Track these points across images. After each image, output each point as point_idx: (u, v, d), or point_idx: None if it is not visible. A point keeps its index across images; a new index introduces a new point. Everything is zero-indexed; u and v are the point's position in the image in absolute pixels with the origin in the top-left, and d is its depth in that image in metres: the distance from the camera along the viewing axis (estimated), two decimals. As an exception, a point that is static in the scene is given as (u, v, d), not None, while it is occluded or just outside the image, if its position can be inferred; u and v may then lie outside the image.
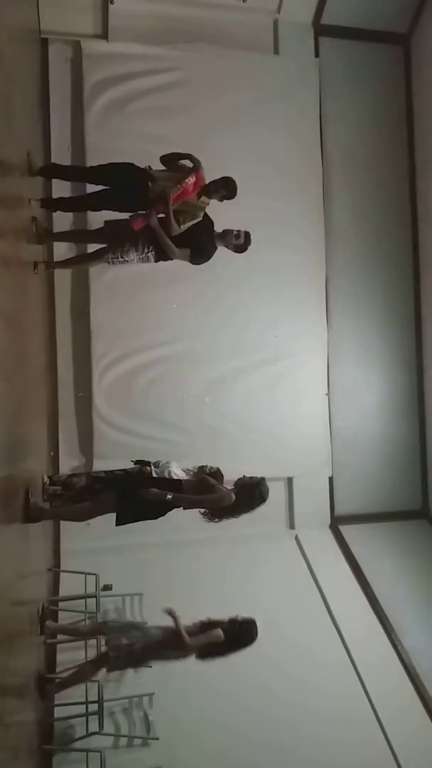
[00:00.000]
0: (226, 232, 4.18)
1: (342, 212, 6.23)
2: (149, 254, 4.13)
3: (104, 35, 5.53)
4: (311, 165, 6.07)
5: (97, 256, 4.34)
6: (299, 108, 6.01)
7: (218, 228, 4.19)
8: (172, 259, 4.16)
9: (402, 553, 5.73)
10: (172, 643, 3.57)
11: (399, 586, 5.40)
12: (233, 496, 3.49)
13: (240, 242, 4.18)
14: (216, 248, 4.19)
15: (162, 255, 4.14)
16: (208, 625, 3.62)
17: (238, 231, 4.17)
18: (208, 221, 4.21)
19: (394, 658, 4.87)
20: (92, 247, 4.54)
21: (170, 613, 3.60)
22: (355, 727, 4.27)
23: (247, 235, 4.19)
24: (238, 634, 3.60)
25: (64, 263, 4.84)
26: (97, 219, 5.21)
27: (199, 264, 4.19)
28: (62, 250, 5.10)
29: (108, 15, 5.43)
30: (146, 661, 3.69)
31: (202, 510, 3.56)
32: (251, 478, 3.58)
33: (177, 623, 3.57)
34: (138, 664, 3.68)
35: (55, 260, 4.88)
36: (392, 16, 6.21)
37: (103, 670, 3.71)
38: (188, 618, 4.69)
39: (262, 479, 3.59)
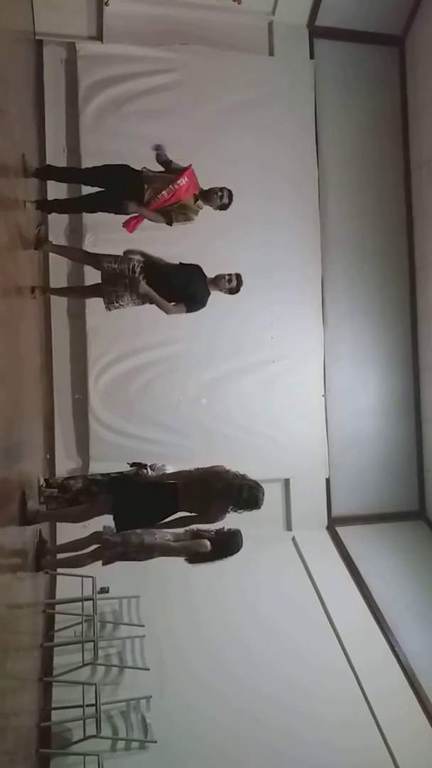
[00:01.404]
0: (218, 278, 4.24)
1: (337, 213, 6.24)
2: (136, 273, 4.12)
3: (99, 37, 5.53)
4: (306, 166, 6.09)
5: (93, 291, 4.34)
6: (294, 109, 6.02)
7: (209, 273, 4.25)
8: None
9: (399, 554, 5.73)
10: (162, 549, 3.72)
11: (396, 587, 5.40)
12: (230, 475, 3.57)
13: (233, 285, 4.25)
14: (209, 294, 4.25)
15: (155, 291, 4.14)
16: (196, 535, 3.73)
17: (230, 275, 4.24)
18: (196, 268, 4.25)
19: (392, 660, 4.86)
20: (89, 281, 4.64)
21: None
22: (352, 729, 4.27)
23: (238, 277, 4.26)
24: (223, 543, 3.71)
25: (61, 291, 4.85)
26: (91, 220, 5.24)
27: (196, 311, 4.24)
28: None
29: (103, 16, 5.44)
30: (137, 559, 3.79)
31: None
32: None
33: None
34: (130, 560, 3.79)
35: (51, 287, 4.92)
36: (387, 18, 6.23)
37: (99, 563, 3.82)
38: (187, 617, 4.72)
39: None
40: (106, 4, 5.35)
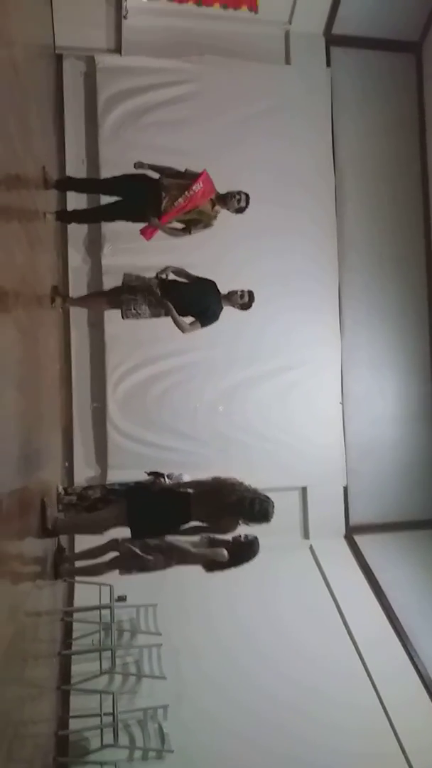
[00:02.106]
0: (231, 294, 4.33)
1: (354, 220, 6.23)
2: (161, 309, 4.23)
3: (117, 49, 5.59)
4: (323, 174, 6.09)
5: (111, 300, 4.41)
6: (311, 118, 6.03)
7: (223, 288, 4.35)
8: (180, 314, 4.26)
9: (418, 563, 5.66)
10: (180, 558, 3.73)
11: (415, 597, 5.33)
12: (243, 486, 3.60)
13: (245, 301, 4.35)
14: (222, 308, 4.35)
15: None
16: (214, 543, 3.75)
17: (242, 291, 4.33)
18: (211, 284, 4.34)
19: (410, 669, 4.81)
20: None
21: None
22: (370, 737, 4.22)
23: (250, 294, 4.36)
24: (240, 551, 3.72)
25: (80, 301, 4.91)
26: (110, 230, 5.29)
27: (209, 325, 4.34)
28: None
29: (121, 29, 5.50)
30: (155, 569, 3.81)
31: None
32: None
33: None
34: (147, 570, 3.80)
35: (71, 296, 4.97)
36: (404, 25, 6.22)
37: (116, 572, 3.87)
38: (205, 626, 4.71)
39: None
40: (125, 17, 5.42)
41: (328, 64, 6.21)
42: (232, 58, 5.82)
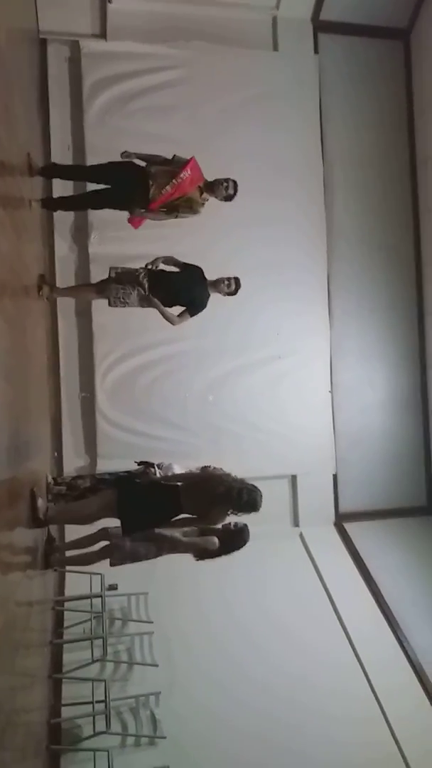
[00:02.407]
0: (218, 281, 4.36)
1: (343, 209, 6.22)
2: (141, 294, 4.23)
3: (103, 34, 5.52)
4: (312, 161, 6.06)
5: (99, 289, 4.39)
6: (299, 104, 6.00)
7: (209, 275, 4.38)
8: (167, 305, 4.29)
9: (407, 550, 5.72)
10: (170, 547, 3.76)
11: (405, 583, 5.39)
12: (230, 478, 3.62)
13: (231, 289, 4.38)
14: (209, 295, 4.38)
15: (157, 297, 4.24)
16: (204, 531, 3.77)
17: (229, 279, 4.37)
18: (198, 272, 4.34)
19: (401, 656, 4.86)
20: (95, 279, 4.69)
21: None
22: (362, 725, 4.27)
23: (237, 281, 4.39)
24: (231, 538, 3.76)
25: (68, 291, 4.88)
26: (97, 218, 5.25)
27: (197, 314, 4.38)
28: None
29: (106, 14, 5.43)
30: (146, 558, 3.85)
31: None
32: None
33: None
34: (138, 560, 3.85)
35: (58, 286, 4.92)
36: (392, 11, 6.19)
37: (106, 561, 3.91)
38: (195, 614, 4.73)
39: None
40: (110, 1, 5.34)
41: (316, 50, 6.17)
42: (219, 44, 5.76)
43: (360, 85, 6.25)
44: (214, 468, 4.01)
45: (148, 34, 5.58)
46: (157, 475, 4.03)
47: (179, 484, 3.67)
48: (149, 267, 4.27)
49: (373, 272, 6.27)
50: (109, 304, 4.31)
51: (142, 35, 5.57)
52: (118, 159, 4.17)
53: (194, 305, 4.32)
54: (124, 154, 4.16)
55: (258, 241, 5.80)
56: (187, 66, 5.69)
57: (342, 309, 6.21)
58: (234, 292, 4.41)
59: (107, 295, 4.27)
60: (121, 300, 4.23)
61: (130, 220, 4.27)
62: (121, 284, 4.21)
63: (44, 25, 5.24)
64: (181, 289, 4.28)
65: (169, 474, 3.99)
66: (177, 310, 4.32)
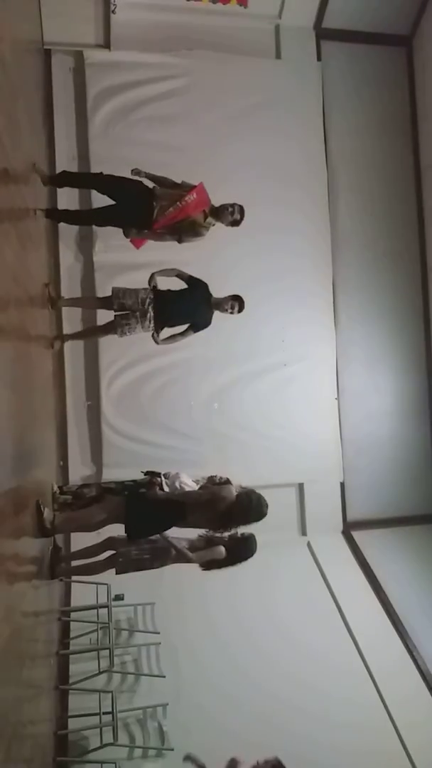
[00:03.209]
0: (222, 301, 4.47)
1: (348, 215, 6.21)
2: (150, 325, 4.38)
3: (106, 44, 5.54)
4: (315, 169, 6.06)
5: (107, 329, 4.58)
6: (302, 112, 6.01)
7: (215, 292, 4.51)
8: (172, 326, 4.46)
9: (416, 558, 5.66)
10: (177, 557, 3.74)
11: (413, 592, 5.34)
12: (234, 493, 3.62)
13: (234, 309, 4.51)
14: (213, 313, 4.50)
15: (160, 324, 4.40)
16: (211, 541, 3.76)
17: (233, 301, 4.46)
18: (202, 289, 4.43)
19: (410, 664, 4.81)
20: (101, 320, 4.87)
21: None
22: (370, 734, 4.22)
23: (240, 302, 4.49)
24: (238, 548, 3.75)
25: (77, 335, 5.03)
26: (102, 228, 5.26)
27: (202, 330, 4.54)
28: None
29: (110, 24, 5.45)
30: (151, 568, 3.83)
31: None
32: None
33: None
34: (143, 569, 3.83)
35: (66, 333, 5.03)
36: (394, 18, 6.20)
37: (112, 570, 3.86)
38: (203, 624, 4.69)
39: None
40: (113, 11, 5.37)
41: (319, 58, 6.18)
42: (222, 52, 5.78)
43: (363, 92, 6.25)
44: (220, 478, 4.02)
45: (152, 44, 5.61)
46: (164, 485, 4.01)
47: (185, 502, 3.67)
48: (152, 286, 4.37)
49: (378, 278, 6.25)
50: (119, 336, 4.48)
51: (145, 45, 5.60)
52: (128, 176, 4.20)
53: (198, 325, 4.45)
54: (134, 171, 4.18)
55: (263, 249, 5.80)
56: (191, 75, 5.72)
57: (347, 315, 6.19)
58: (238, 311, 4.51)
59: (114, 331, 4.43)
60: (127, 333, 4.39)
61: (132, 241, 4.30)
62: (126, 319, 4.35)
63: (48, 35, 5.28)
64: (187, 311, 4.40)
65: (176, 484, 3.98)
66: (183, 328, 4.49)
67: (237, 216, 4.30)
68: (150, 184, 4.25)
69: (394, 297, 6.29)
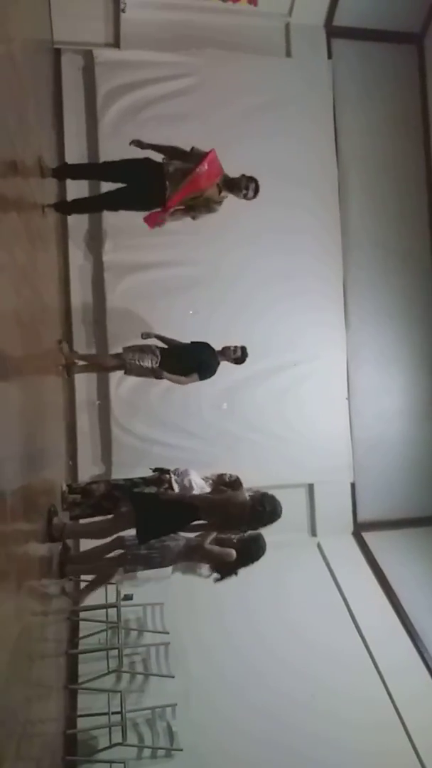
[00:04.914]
0: (225, 350, 4.69)
1: (358, 215, 6.17)
2: (157, 361, 4.57)
3: (116, 43, 5.55)
4: (326, 167, 6.03)
5: (115, 365, 4.74)
6: (313, 110, 5.98)
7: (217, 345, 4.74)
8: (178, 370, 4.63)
9: (427, 560, 5.60)
10: (186, 554, 3.75)
11: (424, 594, 5.29)
12: (247, 497, 3.59)
13: (237, 355, 4.70)
14: (219, 363, 4.69)
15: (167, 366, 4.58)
16: (220, 543, 3.77)
17: (236, 347, 4.69)
18: (204, 345, 4.69)
19: (421, 666, 4.78)
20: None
21: None
22: (381, 734, 4.20)
23: (243, 349, 4.71)
24: (247, 549, 3.74)
25: (84, 367, 5.08)
26: (111, 226, 5.24)
27: (208, 378, 4.70)
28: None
29: (119, 23, 5.46)
30: (161, 566, 3.85)
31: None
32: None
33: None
34: (153, 567, 3.83)
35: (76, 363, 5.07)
36: (405, 16, 6.16)
37: (120, 570, 3.90)
38: (212, 624, 4.68)
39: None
40: (123, 10, 5.37)
41: (329, 56, 6.15)
42: (232, 51, 5.76)
43: (374, 89, 6.21)
44: (230, 476, 3.99)
45: (161, 43, 5.60)
46: (173, 482, 3.99)
47: (198, 506, 3.64)
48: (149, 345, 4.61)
49: (389, 278, 6.21)
50: (125, 373, 4.63)
51: (155, 43, 5.59)
52: (133, 157, 4.10)
53: (204, 373, 4.64)
54: (134, 142, 4.05)
55: (273, 249, 5.78)
56: (200, 74, 5.70)
57: (358, 316, 6.15)
58: (241, 359, 4.69)
59: (123, 364, 4.58)
60: (137, 365, 4.52)
61: (145, 220, 4.18)
62: (136, 352, 4.52)
63: (58, 34, 5.28)
64: (190, 362, 4.60)
65: (185, 482, 3.96)
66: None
67: (252, 192, 4.22)
68: (158, 158, 4.10)
69: (404, 297, 6.24)
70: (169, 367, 4.54)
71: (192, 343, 4.76)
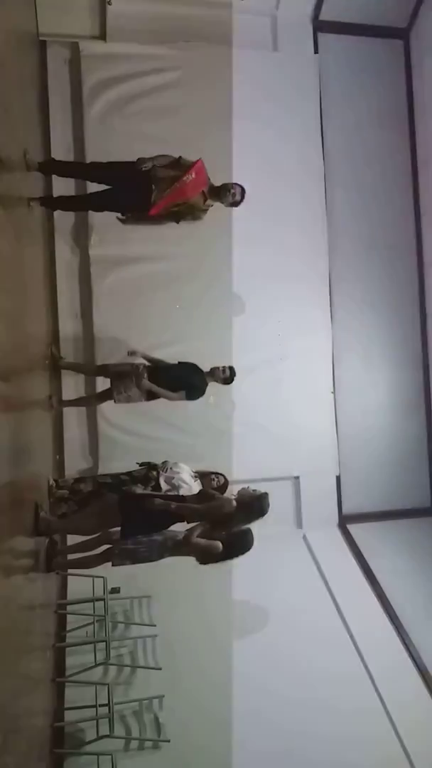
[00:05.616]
0: (213, 370, 4.74)
1: (344, 209, 6.20)
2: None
3: (102, 36, 5.51)
4: (312, 162, 6.04)
5: (104, 396, 4.83)
6: (299, 104, 5.98)
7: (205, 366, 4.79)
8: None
9: (412, 552, 5.68)
10: (174, 549, 3.76)
11: (409, 585, 5.35)
12: (234, 503, 3.63)
13: (226, 376, 4.77)
14: (207, 384, 4.73)
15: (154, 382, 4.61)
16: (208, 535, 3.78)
17: (224, 367, 4.76)
18: (192, 365, 4.72)
19: (406, 658, 4.81)
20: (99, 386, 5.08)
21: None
22: (366, 727, 4.22)
23: (231, 369, 4.78)
24: (234, 542, 3.74)
25: (73, 402, 5.18)
26: (98, 220, 5.23)
27: (196, 399, 4.75)
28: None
29: (106, 16, 5.41)
30: (148, 561, 3.85)
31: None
32: (254, 490, 3.73)
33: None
34: (140, 562, 3.84)
35: (64, 399, 5.17)
36: (391, 11, 6.18)
37: (108, 564, 3.89)
38: (198, 617, 4.71)
39: (265, 494, 3.73)
40: (109, 3, 5.32)
41: (316, 50, 6.15)
42: (218, 45, 5.74)
43: (360, 84, 6.23)
44: (217, 479, 4.05)
45: (148, 36, 5.57)
46: (160, 480, 4.00)
47: (184, 514, 3.69)
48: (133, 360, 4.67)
49: (375, 273, 6.25)
50: (114, 402, 4.65)
51: (141, 36, 5.55)
52: (120, 159, 4.12)
53: (192, 393, 4.68)
54: (140, 161, 4.03)
55: (259, 243, 5.79)
56: (187, 67, 5.67)
57: (344, 309, 6.19)
58: (229, 379, 4.77)
59: (111, 396, 4.63)
60: (123, 394, 4.57)
61: (122, 221, 4.21)
62: (121, 381, 4.55)
63: (44, 27, 5.23)
64: (177, 380, 4.63)
65: (174, 481, 3.97)
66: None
67: (238, 197, 4.24)
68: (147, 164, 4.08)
69: (390, 291, 6.28)
70: (157, 380, 4.61)
71: (180, 363, 4.79)
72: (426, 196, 6.27)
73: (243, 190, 4.25)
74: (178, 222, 4.24)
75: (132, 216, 4.16)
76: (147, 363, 4.68)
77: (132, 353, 4.67)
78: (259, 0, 5.88)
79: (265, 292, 5.83)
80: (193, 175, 3.97)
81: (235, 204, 4.27)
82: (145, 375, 4.57)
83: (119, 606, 4.76)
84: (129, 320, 5.52)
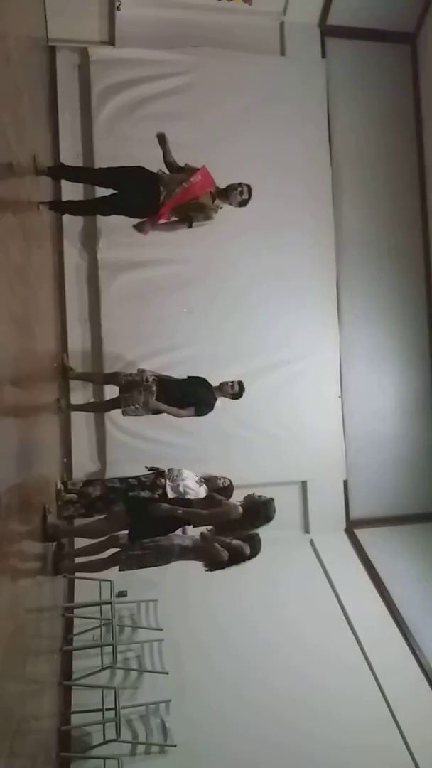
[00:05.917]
0: (222, 385, 4.81)
1: (352, 213, 6.20)
2: (153, 397, 4.63)
3: (111, 41, 5.53)
4: (320, 166, 6.05)
5: (113, 404, 4.85)
6: (307, 109, 5.99)
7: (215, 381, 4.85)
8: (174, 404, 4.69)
9: (419, 557, 5.65)
10: (180, 554, 3.78)
11: (416, 590, 5.33)
12: (240, 509, 3.63)
13: (235, 391, 4.82)
14: (216, 399, 4.78)
15: (162, 399, 4.65)
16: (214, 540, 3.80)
17: (233, 382, 4.81)
18: (200, 380, 4.81)
19: (413, 663, 4.80)
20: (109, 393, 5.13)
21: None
22: (374, 731, 4.21)
23: (240, 384, 4.83)
24: (242, 548, 3.73)
25: (81, 407, 5.22)
26: (105, 224, 5.25)
27: (204, 414, 4.77)
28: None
29: (114, 21, 5.44)
30: (155, 565, 3.86)
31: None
32: (260, 496, 3.73)
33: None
34: (147, 566, 3.85)
35: (72, 403, 5.21)
36: (399, 15, 6.18)
37: (115, 568, 3.90)
38: (205, 621, 4.70)
39: (271, 500, 3.72)
40: (118, 8, 5.36)
41: (323, 55, 6.17)
42: (226, 49, 5.77)
43: (367, 89, 6.24)
44: (223, 481, 4.05)
45: (156, 41, 5.61)
46: (167, 487, 4.00)
47: (191, 520, 3.72)
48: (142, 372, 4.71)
49: (382, 276, 6.24)
50: (123, 414, 4.67)
51: (150, 42, 5.59)
52: (129, 164, 4.14)
53: (201, 408, 4.70)
54: (160, 135, 4.10)
55: (267, 247, 5.80)
56: (195, 72, 5.71)
57: (351, 313, 6.18)
58: (238, 394, 4.79)
59: (119, 406, 4.66)
60: (131, 407, 4.59)
61: (137, 228, 4.20)
62: (129, 393, 4.59)
63: (53, 32, 5.27)
64: (186, 395, 4.67)
65: (180, 488, 3.97)
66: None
67: (246, 196, 4.22)
68: (154, 169, 4.13)
69: (398, 295, 6.27)
70: (164, 401, 4.63)
71: (189, 378, 4.80)
72: (434, 200, 6.26)
73: (250, 189, 4.24)
74: (190, 226, 4.23)
75: (145, 222, 4.14)
76: (156, 377, 4.71)
77: (141, 372, 4.73)
78: (267, 5, 5.90)
79: (273, 295, 5.84)
80: (200, 177, 4.01)
81: (244, 203, 4.25)
82: (155, 389, 4.60)
83: (126, 610, 4.76)
84: (137, 324, 5.54)
